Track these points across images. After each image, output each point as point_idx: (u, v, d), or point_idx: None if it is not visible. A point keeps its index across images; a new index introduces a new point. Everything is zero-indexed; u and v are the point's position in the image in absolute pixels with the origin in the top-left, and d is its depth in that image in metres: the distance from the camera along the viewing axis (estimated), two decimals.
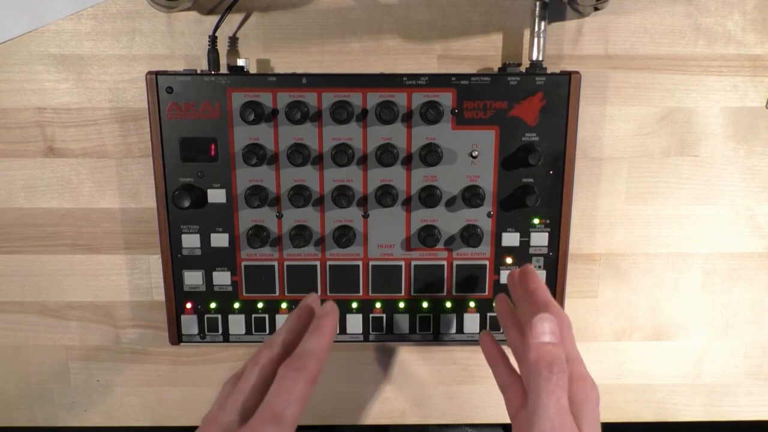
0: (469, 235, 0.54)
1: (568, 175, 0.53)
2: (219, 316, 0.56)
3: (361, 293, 0.56)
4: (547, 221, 0.55)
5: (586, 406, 0.38)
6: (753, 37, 0.55)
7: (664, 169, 0.58)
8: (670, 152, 0.57)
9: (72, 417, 0.64)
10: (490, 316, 0.57)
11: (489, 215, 0.54)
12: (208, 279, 0.56)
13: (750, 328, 0.62)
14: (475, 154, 0.53)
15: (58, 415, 0.63)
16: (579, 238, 0.59)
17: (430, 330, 0.57)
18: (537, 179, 0.53)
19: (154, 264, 0.59)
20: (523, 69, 0.53)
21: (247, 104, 0.50)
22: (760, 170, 0.58)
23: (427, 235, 0.54)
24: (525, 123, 0.52)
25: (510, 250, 0.55)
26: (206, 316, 0.56)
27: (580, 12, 0.54)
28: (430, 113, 0.51)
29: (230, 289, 0.56)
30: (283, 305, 0.56)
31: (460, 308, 0.57)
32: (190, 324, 0.57)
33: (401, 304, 0.57)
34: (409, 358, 0.62)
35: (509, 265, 0.56)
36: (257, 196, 0.52)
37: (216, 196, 0.53)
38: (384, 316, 0.57)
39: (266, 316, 0.57)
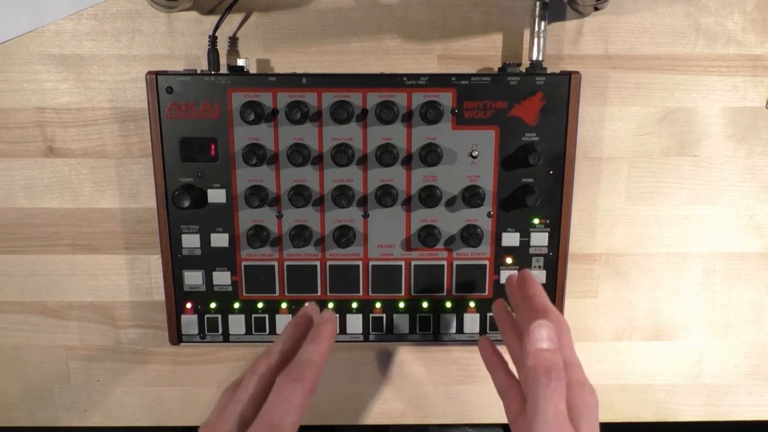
0: (469, 235, 0.54)
1: (568, 175, 0.53)
2: (219, 316, 0.56)
3: (361, 293, 0.56)
4: (547, 221, 0.55)
5: (585, 412, 0.38)
6: (753, 37, 0.55)
7: (664, 169, 0.58)
8: (670, 152, 0.57)
9: (72, 417, 0.64)
10: (490, 316, 0.57)
11: (489, 215, 0.54)
12: (208, 279, 0.56)
13: (750, 328, 0.62)
14: (475, 154, 0.53)
15: (58, 415, 0.63)
16: (579, 238, 0.59)
17: (430, 330, 0.57)
18: (537, 179, 0.53)
19: (154, 264, 0.59)
20: (523, 69, 0.53)
21: (247, 104, 0.50)
22: (760, 170, 0.58)
23: (427, 235, 0.54)
24: (525, 123, 0.52)
25: (510, 250, 0.55)
26: (206, 316, 0.56)
27: (580, 12, 0.54)
28: (430, 113, 0.51)
29: (230, 289, 0.56)
30: (283, 305, 0.56)
31: (460, 308, 0.57)
32: (190, 324, 0.57)
33: (401, 304, 0.57)
34: (409, 358, 0.62)
35: (509, 265, 0.56)
36: (257, 196, 0.52)
37: (216, 196, 0.53)
38: (384, 316, 0.57)
39: (266, 316, 0.57)
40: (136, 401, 0.63)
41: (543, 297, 0.45)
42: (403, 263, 0.56)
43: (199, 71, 0.52)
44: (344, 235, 0.54)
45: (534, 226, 0.55)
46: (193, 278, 0.55)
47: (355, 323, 0.57)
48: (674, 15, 0.55)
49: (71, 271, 0.60)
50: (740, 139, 0.57)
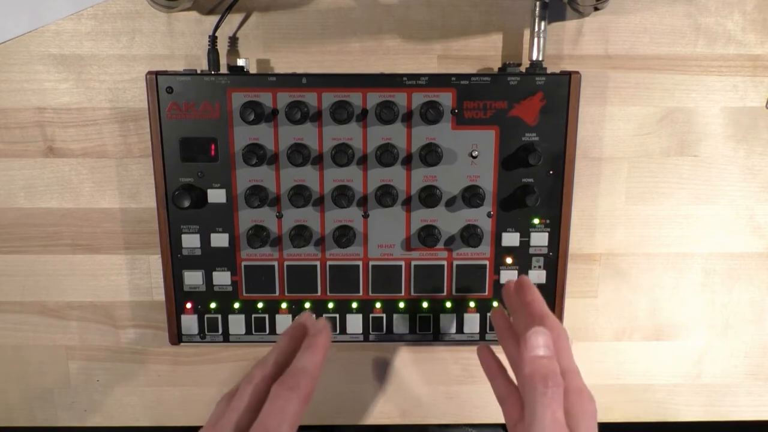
0: (469, 235, 0.54)
1: (568, 175, 0.53)
2: (219, 316, 0.56)
3: (361, 293, 0.56)
4: (547, 221, 0.55)
5: (583, 419, 0.38)
6: (753, 37, 0.55)
7: (664, 169, 0.58)
8: (670, 152, 0.57)
9: (72, 417, 0.64)
10: (490, 317, 0.57)
11: (489, 215, 0.54)
12: (208, 279, 0.56)
13: (750, 328, 0.62)
14: (475, 154, 0.53)
15: (58, 415, 0.63)
16: (579, 238, 0.59)
17: (430, 330, 0.57)
18: (537, 179, 0.53)
19: (154, 264, 0.59)
20: (523, 69, 0.53)
21: (247, 104, 0.50)
22: (760, 170, 0.58)
23: (427, 235, 0.54)
24: (525, 123, 0.52)
25: (510, 250, 0.55)
26: (206, 316, 0.56)
27: (580, 12, 0.54)
28: (430, 113, 0.51)
29: (230, 289, 0.56)
30: (283, 305, 0.56)
31: (460, 308, 0.57)
32: (190, 324, 0.57)
33: (401, 304, 0.57)
34: (409, 358, 0.62)
35: (509, 265, 0.56)
36: (257, 196, 0.52)
37: (216, 196, 0.53)
38: (384, 316, 0.57)
39: (266, 316, 0.57)
40: (136, 401, 0.63)
41: (541, 303, 0.45)
42: (403, 263, 0.56)
43: (199, 71, 0.52)
44: (344, 235, 0.54)
45: (534, 226, 0.55)
46: (193, 278, 0.55)
47: (355, 323, 0.57)
48: (674, 15, 0.55)
49: (71, 271, 0.60)
50: (740, 139, 0.57)
